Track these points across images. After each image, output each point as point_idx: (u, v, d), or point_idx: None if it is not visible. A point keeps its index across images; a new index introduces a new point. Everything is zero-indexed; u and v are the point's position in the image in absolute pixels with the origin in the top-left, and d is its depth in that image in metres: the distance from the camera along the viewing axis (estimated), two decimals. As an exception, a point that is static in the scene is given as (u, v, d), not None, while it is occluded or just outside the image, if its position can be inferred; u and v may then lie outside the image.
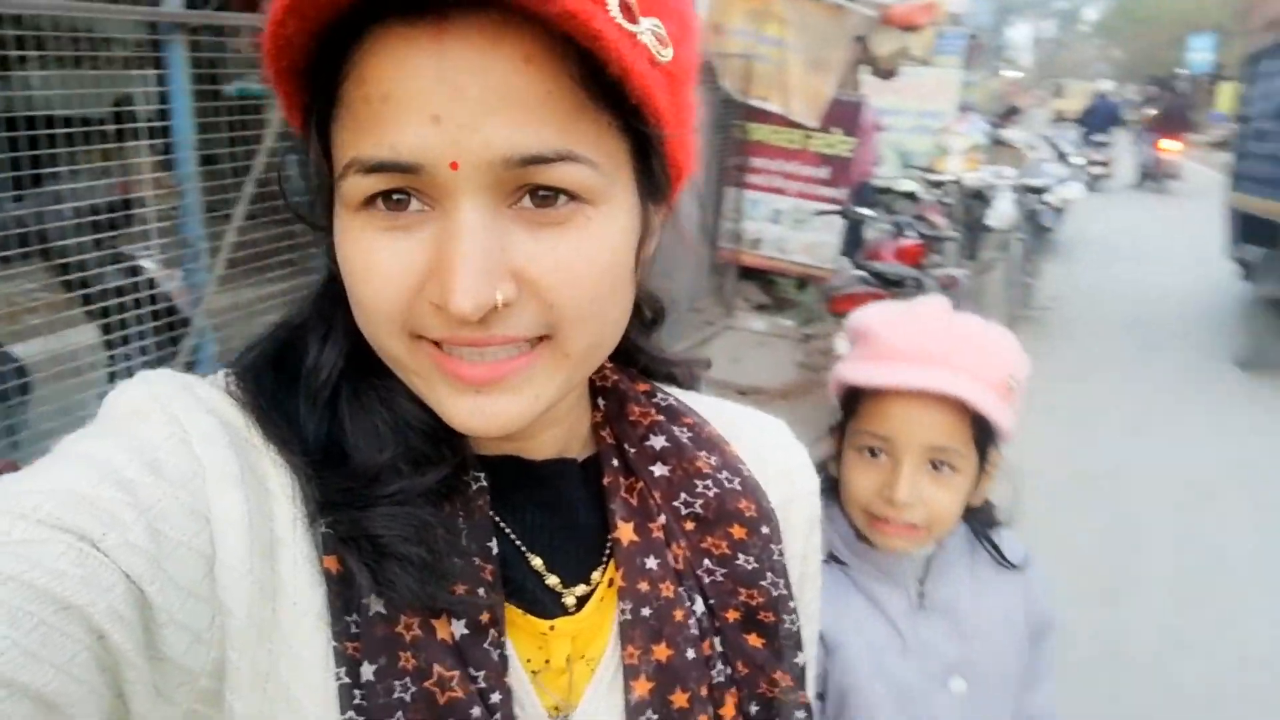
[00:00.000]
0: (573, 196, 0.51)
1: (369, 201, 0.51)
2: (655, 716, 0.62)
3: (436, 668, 0.55)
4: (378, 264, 0.51)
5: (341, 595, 0.54)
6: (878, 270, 4.82)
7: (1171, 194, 15.13)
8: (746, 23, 6.50)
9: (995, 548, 1.32)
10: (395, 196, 0.50)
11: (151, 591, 0.47)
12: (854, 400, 1.25)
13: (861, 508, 1.23)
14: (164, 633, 0.48)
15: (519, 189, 0.50)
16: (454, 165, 0.48)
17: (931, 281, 5.03)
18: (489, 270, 0.49)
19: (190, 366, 3.13)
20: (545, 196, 0.50)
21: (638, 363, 0.73)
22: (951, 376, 1.15)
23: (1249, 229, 7.11)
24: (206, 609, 0.50)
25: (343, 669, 0.53)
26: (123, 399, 0.55)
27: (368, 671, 0.53)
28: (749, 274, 7.13)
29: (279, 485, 0.55)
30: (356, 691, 0.53)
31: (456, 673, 0.55)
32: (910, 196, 6.72)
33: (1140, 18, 42.38)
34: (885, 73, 7.36)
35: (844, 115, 6.69)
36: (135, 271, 3.11)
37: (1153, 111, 18.08)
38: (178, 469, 0.51)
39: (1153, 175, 16.04)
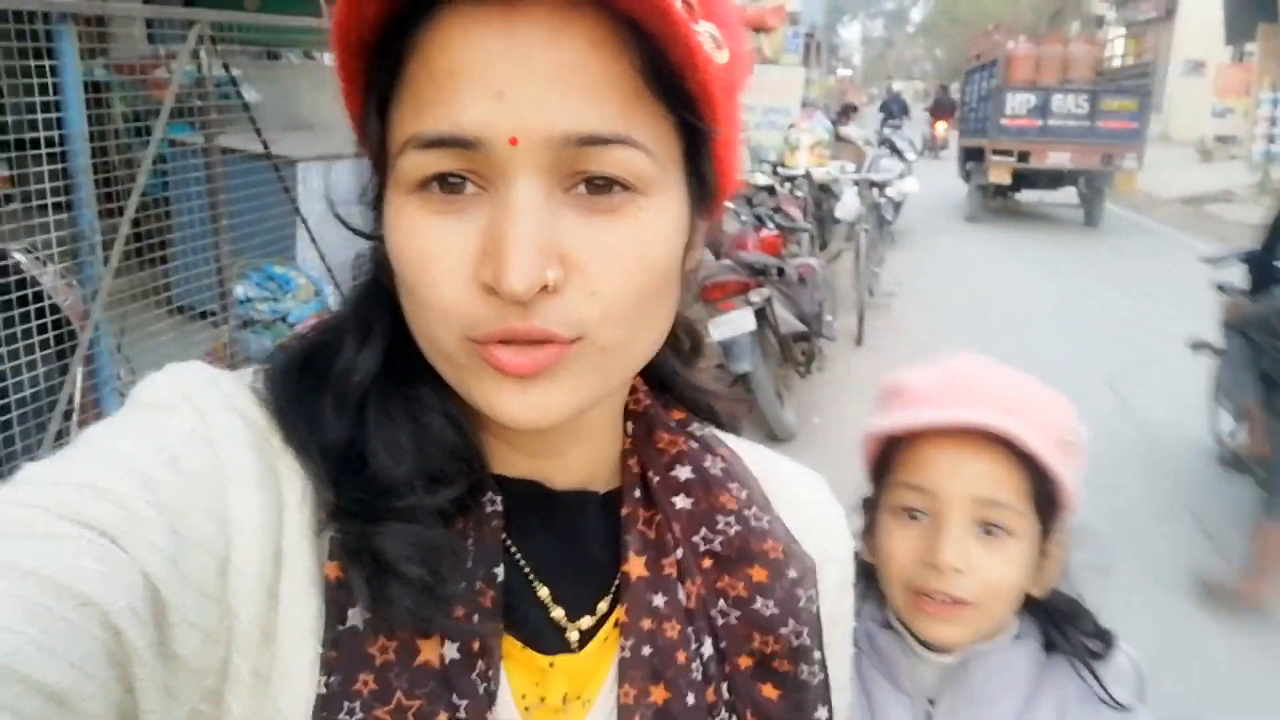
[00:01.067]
0: (626, 187, 0.51)
1: (424, 185, 0.50)
2: None
3: (399, 694, 0.53)
4: (431, 249, 0.50)
5: (338, 603, 0.54)
6: (744, 260, 5.08)
7: (941, 159, 23.19)
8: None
9: (1094, 674, 1.03)
10: (451, 180, 0.50)
11: (167, 591, 0.47)
12: (887, 461, 1.08)
13: (902, 581, 1.03)
14: (175, 631, 0.48)
15: (575, 174, 0.50)
16: (514, 140, 0.48)
17: (792, 270, 5.35)
18: (541, 249, 0.48)
19: (88, 360, 3.05)
20: (600, 185, 0.50)
21: (673, 389, 0.71)
22: (1000, 413, 0.98)
23: (966, 154, 14.65)
24: (216, 609, 0.50)
25: (324, 677, 0.53)
26: (150, 391, 0.55)
27: (333, 684, 0.53)
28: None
29: (291, 492, 0.55)
30: (326, 704, 0.53)
31: (420, 701, 0.53)
32: (769, 190, 7.05)
33: (959, 18, 44.77)
34: (739, 71, 7.65)
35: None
36: (5, 271, 3.00)
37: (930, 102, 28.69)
38: (200, 467, 0.51)
39: (931, 147, 24.05)
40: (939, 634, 1.01)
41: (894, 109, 21.94)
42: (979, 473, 1.00)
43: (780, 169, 7.99)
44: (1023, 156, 12.60)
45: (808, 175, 8.07)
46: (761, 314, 4.87)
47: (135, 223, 3.76)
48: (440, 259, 0.50)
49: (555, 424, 0.54)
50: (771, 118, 10.23)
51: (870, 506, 1.11)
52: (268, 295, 4.87)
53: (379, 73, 0.52)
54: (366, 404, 0.57)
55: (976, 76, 15.19)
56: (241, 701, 0.52)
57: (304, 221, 4.88)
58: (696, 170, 0.56)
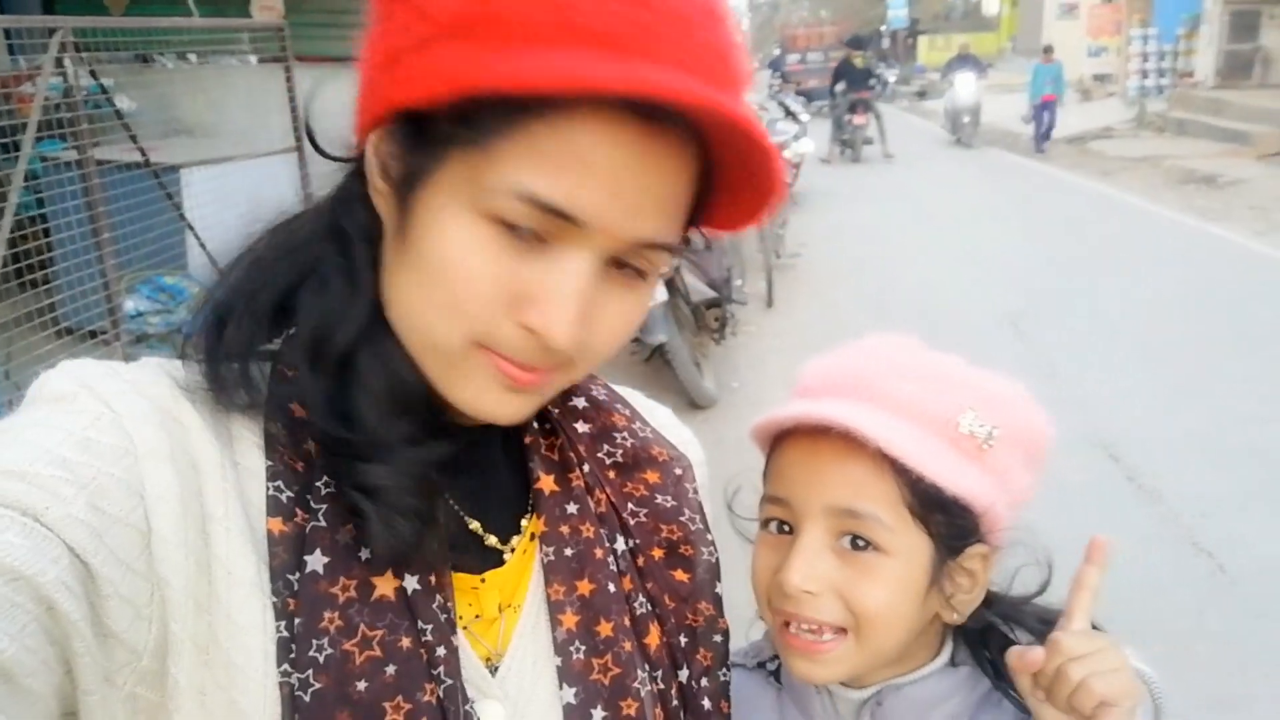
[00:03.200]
0: (638, 271, 0.60)
1: (504, 221, 0.55)
2: (583, 647, 0.66)
3: (363, 627, 0.57)
4: (480, 268, 0.55)
5: (284, 556, 0.57)
6: (648, 232, 5.09)
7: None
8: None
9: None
10: (528, 230, 0.55)
11: (95, 564, 0.48)
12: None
13: (766, 604, 0.87)
14: (109, 605, 0.49)
15: (620, 262, 0.58)
16: (604, 231, 0.55)
17: (697, 237, 5.36)
18: (584, 316, 0.57)
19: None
20: (636, 271, 0.60)
21: None
22: (847, 407, 0.81)
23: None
24: (145, 584, 0.51)
25: (282, 623, 0.55)
26: (47, 386, 0.56)
27: (297, 626, 0.56)
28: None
29: (208, 460, 0.57)
30: (293, 645, 0.55)
31: (381, 631, 0.57)
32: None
33: (843, -20, 45.42)
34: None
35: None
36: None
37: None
38: (110, 447, 0.52)
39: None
40: (805, 671, 0.84)
41: (784, 69, 27.12)
42: (837, 479, 0.82)
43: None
44: (800, 83, 24.37)
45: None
46: (671, 283, 4.88)
47: (11, 244, 3.61)
48: (484, 284, 0.56)
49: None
50: (665, 88, 10.28)
51: None
52: (160, 307, 4.70)
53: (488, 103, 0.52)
54: (352, 356, 0.60)
55: (781, 44, 30.34)
56: (185, 671, 0.53)
57: (191, 228, 4.72)
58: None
